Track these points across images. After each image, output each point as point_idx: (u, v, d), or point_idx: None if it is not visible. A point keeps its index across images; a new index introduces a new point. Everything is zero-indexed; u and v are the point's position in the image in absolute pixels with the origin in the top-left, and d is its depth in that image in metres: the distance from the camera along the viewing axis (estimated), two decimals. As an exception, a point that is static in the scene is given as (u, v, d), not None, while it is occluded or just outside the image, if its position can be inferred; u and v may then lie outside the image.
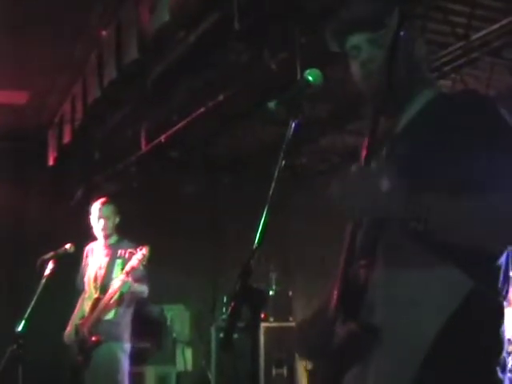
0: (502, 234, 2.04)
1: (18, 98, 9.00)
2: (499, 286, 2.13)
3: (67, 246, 6.27)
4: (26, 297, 5.98)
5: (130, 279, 6.14)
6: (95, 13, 6.84)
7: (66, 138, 9.16)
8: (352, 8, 2.34)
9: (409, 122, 2.29)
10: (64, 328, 6.47)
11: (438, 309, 2.06)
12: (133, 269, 6.11)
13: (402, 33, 2.10)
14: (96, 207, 6.52)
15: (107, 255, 6.47)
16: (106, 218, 6.49)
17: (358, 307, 2.10)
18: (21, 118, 9.60)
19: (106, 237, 6.51)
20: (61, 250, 6.23)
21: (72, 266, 6.70)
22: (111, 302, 6.24)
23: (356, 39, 2.31)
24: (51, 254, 6.17)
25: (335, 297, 2.10)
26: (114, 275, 6.31)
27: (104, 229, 6.49)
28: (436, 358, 2.03)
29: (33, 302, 5.80)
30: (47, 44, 7.30)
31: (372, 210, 2.06)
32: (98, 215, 6.49)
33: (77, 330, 6.29)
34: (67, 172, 10.42)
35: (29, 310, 5.76)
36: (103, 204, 6.53)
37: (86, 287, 6.54)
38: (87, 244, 6.75)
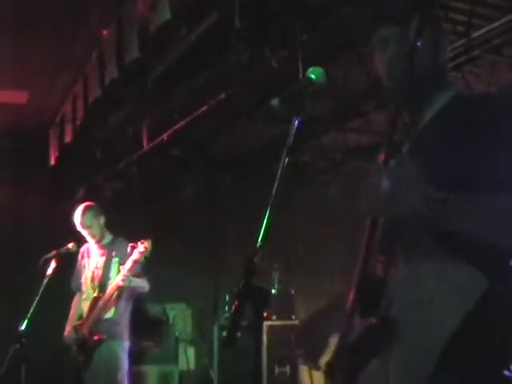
0: None
1: (19, 97, 9.00)
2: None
3: (70, 245, 6.26)
4: (27, 296, 5.98)
5: (129, 274, 6.12)
6: (96, 12, 6.83)
7: (67, 138, 9.16)
8: (379, 1, 2.36)
9: (430, 121, 2.31)
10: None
11: (455, 307, 2.07)
12: (135, 262, 6.07)
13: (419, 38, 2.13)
14: (77, 218, 6.45)
15: (103, 255, 6.43)
16: (89, 227, 6.43)
17: (375, 301, 2.12)
18: (22, 118, 9.60)
19: (98, 241, 6.49)
20: (63, 249, 6.22)
21: (74, 265, 6.70)
22: (111, 299, 6.21)
23: (385, 32, 2.32)
24: (53, 253, 6.16)
25: (353, 290, 2.10)
26: (111, 275, 6.28)
27: (91, 237, 6.46)
28: (452, 355, 2.04)
29: (35, 302, 5.79)
30: (48, 43, 7.30)
31: (394, 210, 2.06)
32: (80, 227, 6.45)
33: (76, 331, 6.27)
34: (68, 171, 10.43)
35: (31, 310, 5.75)
36: (83, 214, 6.43)
37: (83, 288, 6.51)
38: (83, 245, 6.72)
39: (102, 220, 6.49)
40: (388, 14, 2.31)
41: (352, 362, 2.17)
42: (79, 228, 6.45)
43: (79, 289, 6.58)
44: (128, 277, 6.09)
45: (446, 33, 2.39)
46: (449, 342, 2.04)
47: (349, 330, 2.11)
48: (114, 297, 6.21)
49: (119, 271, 6.20)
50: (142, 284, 6.32)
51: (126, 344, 6.32)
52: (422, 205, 1.99)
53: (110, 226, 6.61)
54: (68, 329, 6.40)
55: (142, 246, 6.09)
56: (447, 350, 2.03)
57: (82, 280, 6.54)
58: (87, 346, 6.11)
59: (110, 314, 6.25)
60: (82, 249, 6.66)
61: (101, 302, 6.20)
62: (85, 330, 6.18)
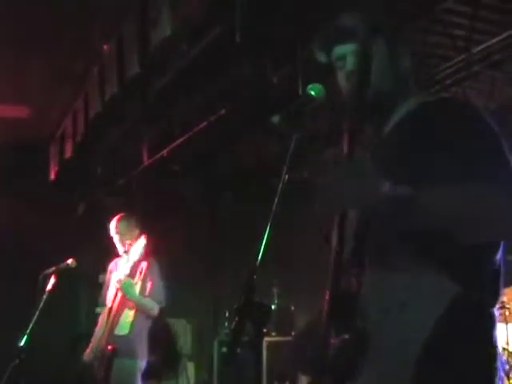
0: (481, 226, 2.03)
1: (20, 112, 9.02)
2: (488, 290, 2.14)
3: (69, 260, 6.23)
4: (27, 311, 5.96)
5: (127, 279, 6.04)
6: (97, 27, 6.86)
7: (68, 153, 9.17)
8: (339, 19, 2.36)
9: (389, 131, 2.32)
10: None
11: (425, 314, 2.07)
12: (134, 263, 5.99)
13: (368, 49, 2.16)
14: (112, 224, 6.41)
15: (130, 268, 6.29)
16: (121, 234, 6.35)
17: (351, 316, 2.09)
18: (22, 132, 9.62)
19: (126, 252, 6.36)
20: (62, 265, 6.20)
21: (74, 280, 6.65)
22: (119, 310, 6.09)
23: (342, 49, 2.34)
24: (53, 268, 6.14)
25: (327, 307, 2.10)
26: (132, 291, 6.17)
27: (122, 245, 6.38)
28: (425, 364, 2.03)
29: (35, 317, 5.78)
30: (49, 58, 7.33)
31: (357, 200, 2.04)
32: (113, 231, 6.39)
33: (97, 349, 6.13)
34: (68, 186, 10.42)
35: (31, 325, 5.74)
36: (118, 220, 6.41)
37: (108, 303, 6.38)
38: (111, 261, 6.60)
39: (136, 232, 6.41)
40: (346, 32, 2.31)
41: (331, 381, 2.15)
42: (112, 234, 6.41)
43: (104, 304, 6.45)
44: (125, 282, 6.00)
45: (406, 42, 2.39)
46: (421, 349, 2.03)
47: (326, 348, 2.09)
48: (123, 307, 6.10)
49: (142, 290, 6.14)
50: (150, 305, 6.17)
51: (142, 363, 6.16)
52: (380, 199, 1.98)
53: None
54: (88, 351, 6.25)
55: (138, 245, 5.99)
56: (421, 357, 2.03)
57: (108, 294, 6.40)
58: (105, 359, 5.98)
59: (125, 331, 6.08)
60: (111, 264, 6.57)
61: (112, 313, 6.10)
62: (103, 343, 6.06)
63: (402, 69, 2.34)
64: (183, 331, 10.16)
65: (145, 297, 6.15)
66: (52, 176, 10.05)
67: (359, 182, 2.00)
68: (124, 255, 6.31)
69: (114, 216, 6.54)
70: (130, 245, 6.09)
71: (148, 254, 6.33)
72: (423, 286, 2.09)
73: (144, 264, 6.21)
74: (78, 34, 6.89)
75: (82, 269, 6.64)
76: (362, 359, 2.07)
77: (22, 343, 5.64)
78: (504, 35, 5.54)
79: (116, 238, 6.41)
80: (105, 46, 7.17)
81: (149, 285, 6.16)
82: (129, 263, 6.03)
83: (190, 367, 10.02)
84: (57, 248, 7.64)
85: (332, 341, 2.07)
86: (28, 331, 5.70)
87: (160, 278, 6.30)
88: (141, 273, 6.18)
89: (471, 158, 2.05)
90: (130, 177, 9.07)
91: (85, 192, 10.13)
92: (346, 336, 2.05)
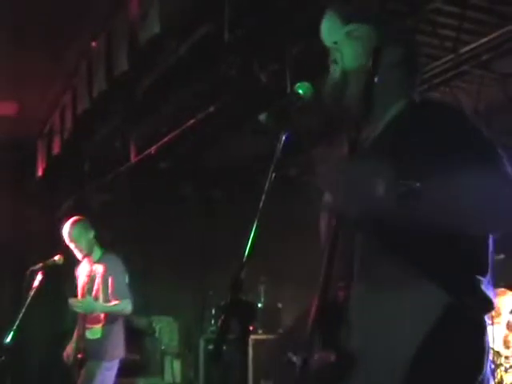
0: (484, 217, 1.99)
1: (8, 108, 8.99)
2: (478, 299, 2.11)
3: (56, 257, 6.22)
4: (14, 308, 5.95)
5: (82, 300, 6.07)
6: (85, 24, 6.85)
7: (56, 149, 9.15)
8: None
9: (377, 135, 2.29)
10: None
11: (414, 328, 2.05)
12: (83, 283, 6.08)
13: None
14: (65, 232, 6.36)
15: (90, 271, 6.31)
16: (76, 241, 6.32)
17: (337, 329, 2.08)
18: (10, 129, 9.59)
19: (86, 256, 6.36)
20: (49, 261, 6.18)
21: (61, 277, 6.64)
22: (87, 318, 6.12)
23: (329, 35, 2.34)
24: (40, 265, 6.12)
25: (312, 319, 2.08)
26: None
27: (78, 251, 6.37)
28: (413, 376, 2.01)
29: (21, 314, 5.76)
30: (37, 54, 7.30)
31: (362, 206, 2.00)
32: (68, 240, 6.35)
33: (73, 353, 6.18)
34: (56, 183, 10.40)
35: (17, 322, 5.72)
36: (70, 228, 6.34)
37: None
38: (78, 259, 6.61)
39: (91, 235, 6.33)
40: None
41: None
42: (67, 242, 6.37)
43: None
44: (82, 304, 6.03)
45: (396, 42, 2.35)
46: (410, 364, 2.01)
47: (309, 360, 2.08)
48: (93, 315, 6.12)
49: (105, 291, 6.15)
50: (119, 307, 6.14)
51: (109, 364, 6.15)
52: (387, 195, 1.93)
53: (96, 238, 6.48)
54: (68, 349, 6.30)
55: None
56: (409, 370, 2.01)
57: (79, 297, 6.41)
58: (77, 364, 6.03)
59: (97, 335, 6.12)
60: (77, 270, 6.56)
61: (80, 321, 6.15)
62: (76, 348, 6.10)
63: (393, 69, 2.29)
64: (170, 328, 10.16)
65: (109, 297, 6.16)
66: (39, 172, 10.03)
67: (360, 181, 1.97)
68: (85, 260, 6.35)
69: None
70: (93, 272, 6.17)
71: (107, 251, 6.39)
72: (410, 299, 2.07)
73: (99, 268, 6.24)
74: (67, 30, 6.88)
75: (69, 265, 6.63)
76: (346, 375, 2.07)
77: (7, 340, 5.63)
78: (492, 36, 5.56)
79: (72, 246, 6.39)
80: (93, 43, 7.16)
81: (110, 282, 6.17)
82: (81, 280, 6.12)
83: (176, 364, 10.02)
84: (44, 244, 7.62)
85: (316, 355, 2.06)
86: (14, 328, 5.69)
87: (123, 273, 6.29)
88: (100, 277, 6.22)
89: (455, 168, 1.99)
90: (118, 174, 9.05)
91: (72, 188, 10.11)
92: (332, 356, 2.04)
